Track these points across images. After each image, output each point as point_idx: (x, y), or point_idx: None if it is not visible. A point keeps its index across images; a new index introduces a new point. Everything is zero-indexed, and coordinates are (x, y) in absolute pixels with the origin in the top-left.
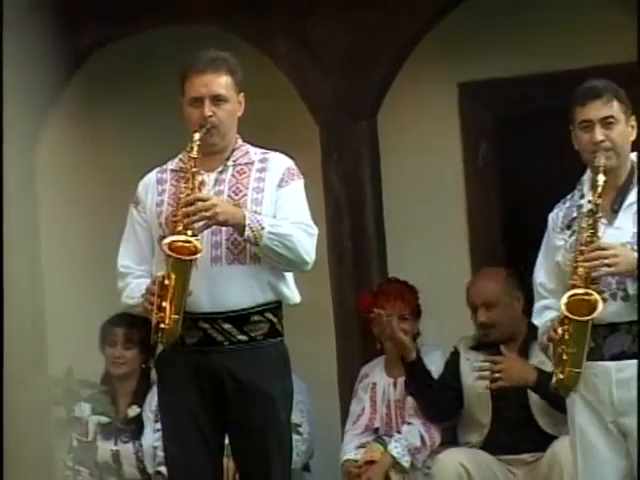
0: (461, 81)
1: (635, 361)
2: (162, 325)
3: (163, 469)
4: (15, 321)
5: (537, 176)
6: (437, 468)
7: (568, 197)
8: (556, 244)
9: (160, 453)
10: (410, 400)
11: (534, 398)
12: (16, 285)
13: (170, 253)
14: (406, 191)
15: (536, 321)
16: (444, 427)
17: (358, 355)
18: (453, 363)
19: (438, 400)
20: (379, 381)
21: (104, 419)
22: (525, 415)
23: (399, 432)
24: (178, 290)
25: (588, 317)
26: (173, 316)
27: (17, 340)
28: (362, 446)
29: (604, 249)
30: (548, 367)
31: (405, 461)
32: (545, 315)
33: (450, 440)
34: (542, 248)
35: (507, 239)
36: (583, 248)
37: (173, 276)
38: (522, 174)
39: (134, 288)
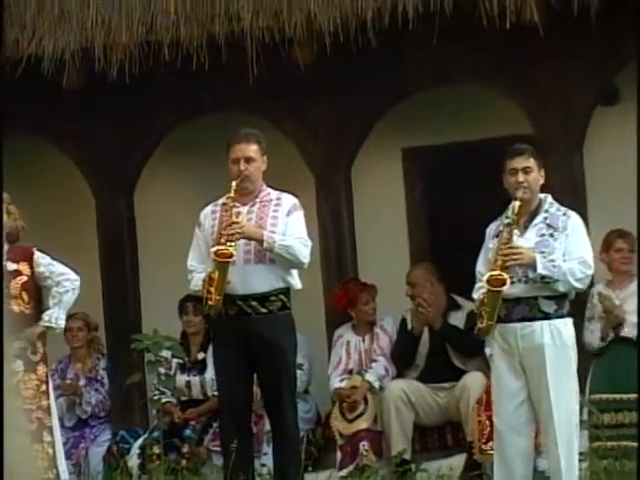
0: (404, 147)
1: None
2: (210, 302)
3: (216, 392)
4: (121, 300)
5: (453, 211)
6: (387, 391)
7: (499, 219)
8: (489, 247)
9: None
10: (374, 347)
11: (450, 347)
12: (122, 283)
13: (215, 257)
14: (370, 219)
15: (474, 295)
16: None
17: (336, 321)
18: (404, 326)
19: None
20: (351, 339)
21: (180, 360)
22: (445, 358)
23: (370, 367)
24: (220, 280)
25: (499, 288)
26: (216, 297)
27: (121, 311)
28: (344, 380)
29: (514, 248)
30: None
31: (376, 384)
32: (480, 291)
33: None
34: (482, 249)
35: (433, 251)
36: (501, 246)
37: (217, 272)
38: (444, 211)
39: (197, 279)
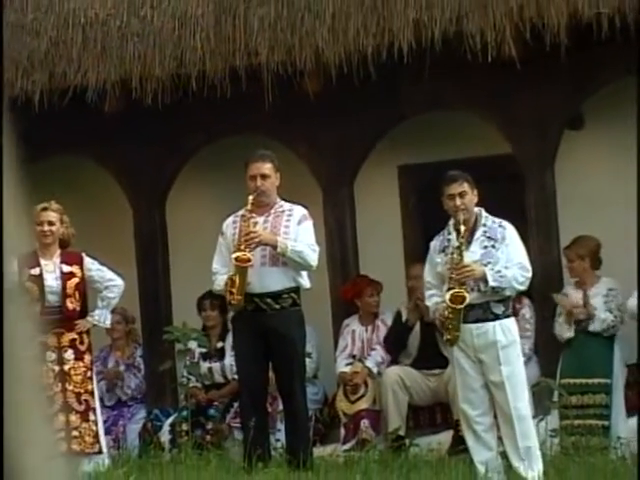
0: (399, 164)
1: (487, 323)
2: (232, 301)
3: (236, 377)
4: (154, 297)
5: (441, 220)
6: (385, 376)
7: (440, 234)
8: (436, 260)
9: (234, 368)
10: (374, 337)
11: (440, 339)
12: (155, 283)
13: (236, 263)
14: (370, 226)
15: (427, 303)
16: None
17: (341, 314)
18: (399, 318)
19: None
20: (356, 328)
21: (203, 349)
22: (435, 348)
23: (369, 355)
24: (241, 282)
25: (461, 306)
26: (238, 297)
27: (154, 306)
28: (348, 364)
29: (467, 266)
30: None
31: (375, 370)
32: (432, 299)
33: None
34: (427, 261)
35: (424, 254)
36: (456, 266)
37: (237, 275)
38: (433, 220)
39: (219, 280)
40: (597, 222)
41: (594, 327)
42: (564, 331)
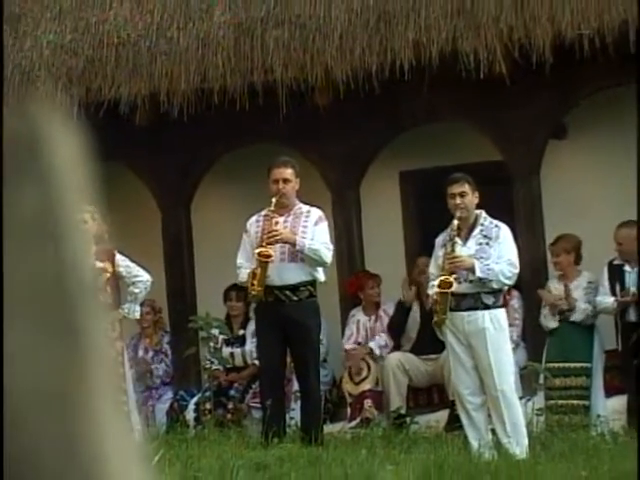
0: (401, 170)
1: (477, 312)
2: (252, 292)
3: (256, 362)
4: (181, 290)
5: (438, 220)
6: (387, 361)
7: (445, 232)
8: (438, 255)
9: (254, 354)
10: (377, 325)
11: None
12: (181, 277)
13: (258, 257)
14: (374, 226)
15: (428, 291)
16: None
17: (347, 306)
18: (400, 306)
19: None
20: (361, 318)
21: (225, 336)
22: (432, 335)
23: (373, 339)
24: (261, 275)
25: (447, 290)
26: (258, 288)
27: (181, 298)
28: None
29: (457, 256)
30: None
31: (377, 351)
32: (433, 289)
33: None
34: (432, 256)
35: (422, 251)
36: (447, 256)
37: (259, 269)
38: (431, 220)
39: (243, 273)
40: (578, 221)
41: (575, 317)
42: (549, 322)
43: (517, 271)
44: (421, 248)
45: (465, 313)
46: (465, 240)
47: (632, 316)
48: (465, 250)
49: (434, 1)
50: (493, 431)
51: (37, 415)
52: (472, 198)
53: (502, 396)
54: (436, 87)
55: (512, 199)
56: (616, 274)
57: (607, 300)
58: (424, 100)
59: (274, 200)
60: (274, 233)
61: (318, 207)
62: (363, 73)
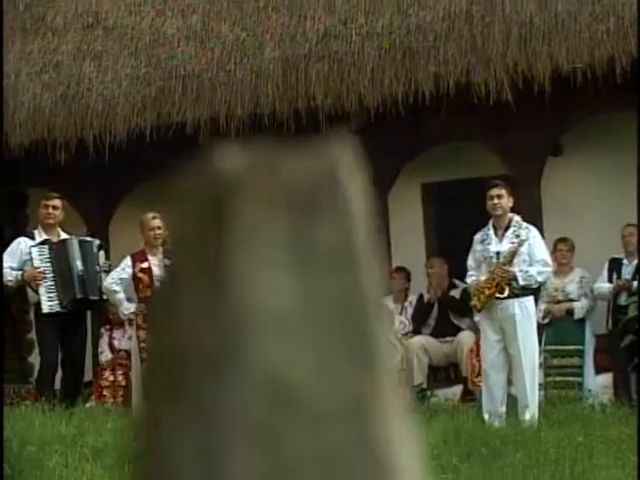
0: (422, 183)
1: (508, 300)
2: None
3: None
4: None
5: (453, 225)
6: (411, 343)
7: (483, 229)
8: (477, 249)
9: None
10: (403, 313)
11: (450, 310)
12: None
13: None
14: (399, 230)
15: (467, 280)
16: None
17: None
18: (422, 299)
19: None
20: (391, 306)
21: None
22: (449, 321)
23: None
24: None
25: (498, 294)
26: None
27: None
28: None
29: (506, 270)
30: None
31: (401, 332)
32: (471, 278)
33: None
34: (471, 251)
35: (440, 251)
36: (499, 267)
37: None
38: (448, 225)
39: None
40: (573, 226)
41: (578, 315)
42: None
43: (550, 269)
44: (438, 248)
45: (498, 302)
46: (501, 238)
47: (622, 300)
48: (499, 247)
49: (451, 40)
50: (509, 397)
51: (342, 420)
52: (507, 200)
53: (526, 372)
54: (452, 112)
55: (516, 207)
56: (615, 266)
57: (604, 286)
58: (442, 123)
59: None
60: None
61: None
62: (391, 100)
